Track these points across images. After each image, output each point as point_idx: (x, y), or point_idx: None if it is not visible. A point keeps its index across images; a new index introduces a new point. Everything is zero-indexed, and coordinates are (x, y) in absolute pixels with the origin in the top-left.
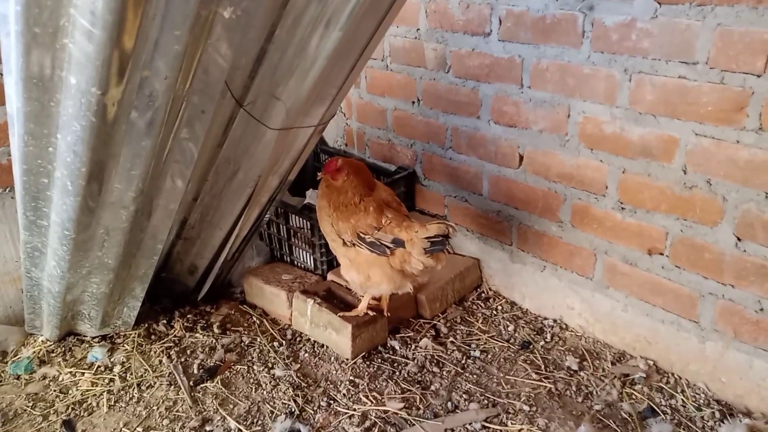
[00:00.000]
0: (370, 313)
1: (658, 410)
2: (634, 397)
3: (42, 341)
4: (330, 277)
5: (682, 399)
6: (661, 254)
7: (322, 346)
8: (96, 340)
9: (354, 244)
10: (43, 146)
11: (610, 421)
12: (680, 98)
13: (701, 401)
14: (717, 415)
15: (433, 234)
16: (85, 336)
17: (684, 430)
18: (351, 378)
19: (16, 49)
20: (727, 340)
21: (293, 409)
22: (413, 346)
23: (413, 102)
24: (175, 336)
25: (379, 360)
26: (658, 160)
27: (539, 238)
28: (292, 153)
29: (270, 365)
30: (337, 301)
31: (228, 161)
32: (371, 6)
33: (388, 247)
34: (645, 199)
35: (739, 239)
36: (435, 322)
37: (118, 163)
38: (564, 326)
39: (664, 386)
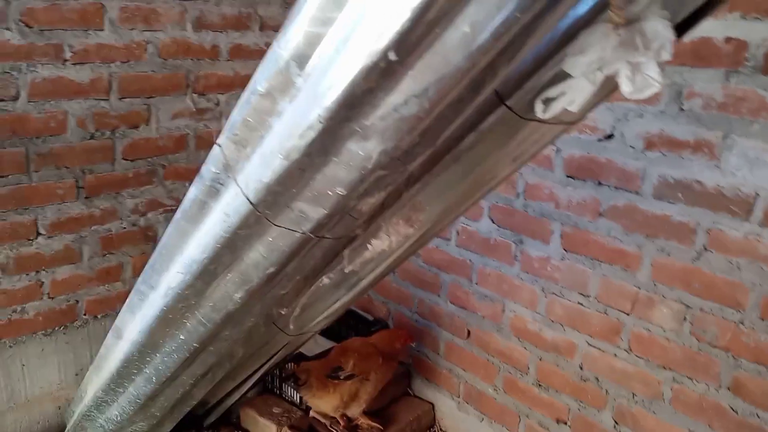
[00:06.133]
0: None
1: None
2: None
3: None
4: (312, 413)
5: None
6: (566, 424)
7: None
8: None
9: None
10: (143, 359)
11: None
12: (579, 317)
13: None
14: None
15: None
16: None
17: None
18: None
19: (152, 317)
20: None
21: None
22: None
23: (391, 273)
24: None
25: None
26: (564, 356)
27: (480, 396)
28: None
29: None
30: None
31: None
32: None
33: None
34: (555, 382)
35: (616, 422)
36: None
37: (191, 367)
38: None
39: None
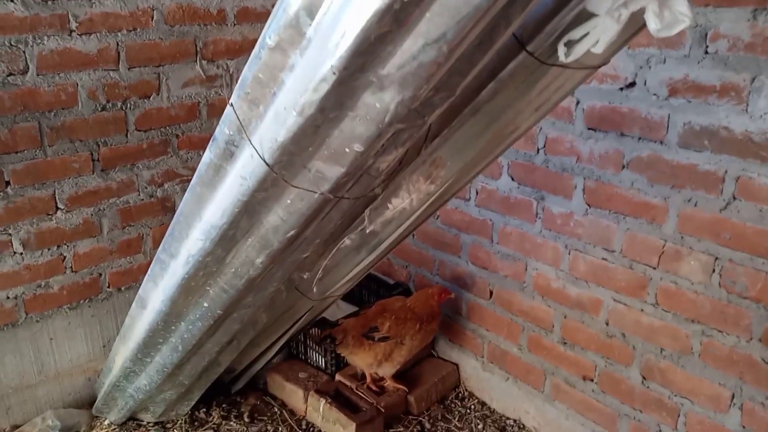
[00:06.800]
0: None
1: None
2: None
3: (108, 424)
4: (338, 377)
5: None
6: (592, 380)
7: None
8: (151, 424)
9: None
10: (168, 328)
11: None
12: (603, 273)
13: None
14: None
15: None
16: (142, 420)
17: None
18: None
19: (174, 286)
20: None
21: None
22: None
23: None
24: (213, 423)
25: None
26: (589, 312)
27: (504, 355)
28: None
29: None
30: (343, 400)
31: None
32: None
33: None
34: (580, 339)
35: (644, 378)
36: (421, 418)
37: (215, 335)
38: (521, 426)
39: None
